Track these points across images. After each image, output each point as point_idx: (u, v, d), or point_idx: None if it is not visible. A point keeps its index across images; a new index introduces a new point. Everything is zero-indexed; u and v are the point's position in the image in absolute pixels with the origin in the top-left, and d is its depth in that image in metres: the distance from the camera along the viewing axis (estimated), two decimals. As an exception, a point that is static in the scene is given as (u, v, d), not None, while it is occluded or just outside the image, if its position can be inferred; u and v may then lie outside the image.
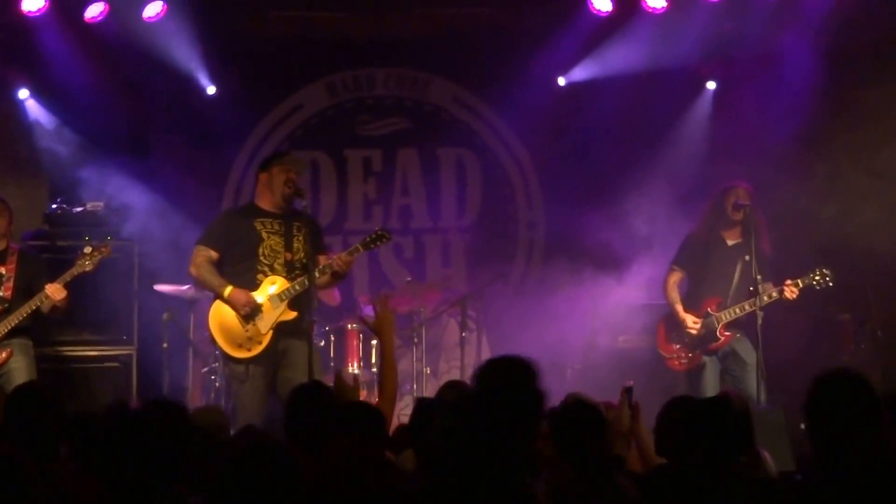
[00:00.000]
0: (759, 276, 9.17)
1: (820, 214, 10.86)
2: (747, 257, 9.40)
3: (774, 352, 9.46)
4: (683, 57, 11.34)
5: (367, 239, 8.60)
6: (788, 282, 9.28)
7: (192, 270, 8.57)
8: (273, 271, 8.45)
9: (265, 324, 8.38)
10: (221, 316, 8.48)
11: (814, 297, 9.63)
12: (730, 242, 9.59)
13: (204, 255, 8.52)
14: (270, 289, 8.40)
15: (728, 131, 11.51)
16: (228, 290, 8.38)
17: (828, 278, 9.34)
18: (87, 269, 9.20)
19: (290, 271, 8.45)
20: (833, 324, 11.00)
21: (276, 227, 8.52)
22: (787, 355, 10.04)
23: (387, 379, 6.53)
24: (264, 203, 8.60)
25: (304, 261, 8.36)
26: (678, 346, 9.59)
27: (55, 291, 9.03)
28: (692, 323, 9.49)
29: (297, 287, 8.34)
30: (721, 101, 11.81)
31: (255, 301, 8.36)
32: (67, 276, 9.12)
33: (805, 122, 11.04)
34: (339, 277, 8.67)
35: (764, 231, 9.37)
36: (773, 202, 10.19)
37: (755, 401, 8.93)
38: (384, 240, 8.62)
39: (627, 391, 6.21)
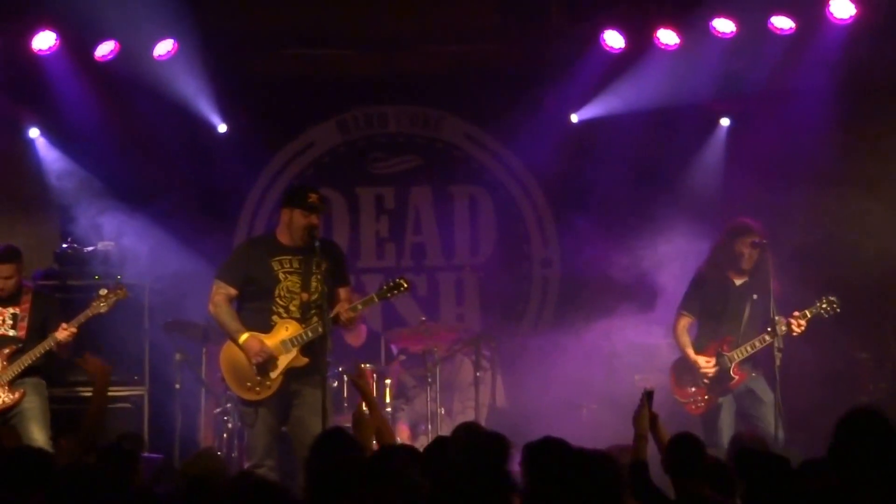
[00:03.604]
0: (777, 317, 9.07)
1: (835, 252, 10.81)
2: (755, 296, 9.34)
3: (793, 391, 9.37)
4: (697, 93, 11.31)
5: (384, 288, 8.54)
6: (796, 313, 9.19)
7: (211, 309, 8.49)
8: (288, 313, 8.36)
9: (276, 369, 8.33)
10: (232, 356, 8.43)
11: (833, 335, 9.56)
12: (737, 282, 9.48)
13: (223, 294, 8.44)
14: (283, 333, 8.33)
15: (743, 168, 11.45)
16: (244, 336, 8.30)
17: (835, 305, 9.24)
18: (102, 310, 9.16)
19: (305, 312, 8.36)
20: (852, 363, 10.92)
21: (296, 264, 8.43)
22: (805, 395, 9.96)
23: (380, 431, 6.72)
24: (284, 238, 8.51)
25: (320, 301, 8.28)
26: (693, 390, 9.47)
27: (64, 336, 8.98)
28: (705, 363, 9.37)
29: (310, 334, 8.26)
30: (735, 137, 11.78)
31: (269, 352, 8.27)
32: (82, 318, 9.10)
33: (821, 159, 11.01)
34: (342, 325, 8.63)
35: (774, 269, 9.26)
36: (788, 238, 10.13)
37: (774, 440, 8.85)
38: (401, 289, 8.53)
39: (648, 396, 6.31)
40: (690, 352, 9.46)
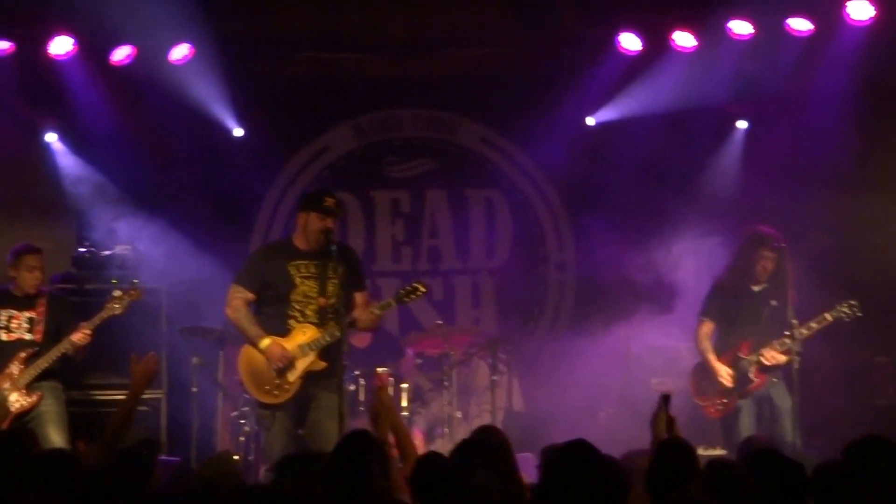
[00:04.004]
0: (794, 321, 9.04)
1: (853, 255, 10.77)
2: (773, 302, 9.32)
3: (811, 396, 9.34)
4: (714, 96, 11.25)
5: (401, 292, 8.55)
6: (816, 317, 9.19)
7: (229, 313, 8.51)
8: (304, 317, 8.39)
9: (294, 373, 8.35)
10: (251, 360, 8.46)
11: (852, 339, 9.52)
12: (755, 289, 9.48)
13: (241, 298, 8.46)
14: (301, 337, 8.35)
15: (759, 171, 11.40)
16: (266, 342, 8.32)
17: (855, 309, 9.25)
18: (117, 311, 9.16)
19: (322, 317, 8.38)
20: (871, 367, 10.88)
21: (312, 269, 8.45)
22: (824, 399, 9.94)
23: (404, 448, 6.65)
24: (300, 243, 8.53)
25: (337, 306, 8.29)
26: (712, 393, 9.47)
27: (79, 338, 9.00)
28: (725, 374, 9.37)
29: (328, 338, 8.28)
30: (752, 140, 11.72)
31: (290, 357, 8.30)
32: (97, 320, 9.10)
33: (838, 162, 10.95)
34: (361, 329, 8.64)
35: (792, 276, 9.24)
36: (805, 243, 10.09)
37: (791, 446, 8.83)
38: (418, 293, 8.53)
39: (665, 399, 6.28)
40: (712, 357, 9.45)
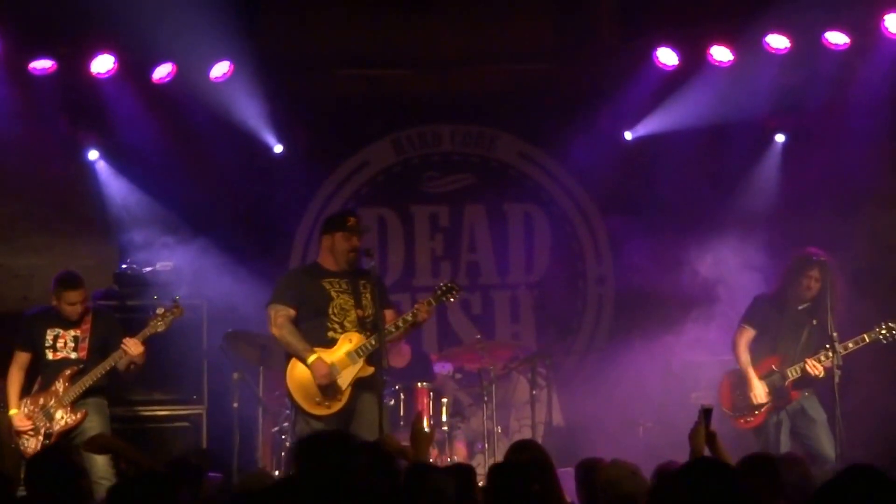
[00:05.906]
0: (835, 334, 9.00)
1: (891, 268, 10.72)
2: (814, 321, 9.29)
3: (854, 408, 9.28)
4: (751, 110, 11.26)
5: (438, 292, 8.67)
6: (857, 338, 9.15)
7: (275, 331, 8.61)
8: (343, 329, 8.52)
9: (344, 380, 8.48)
10: (299, 374, 8.57)
11: (892, 353, 9.48)
12: (799, 307, 9.45)
13: (284, 315, 8.58)
14: (347, 345, 8.46)
15: (798, 184, 11.38)
16: (312, 358, 8.43)
17: (894, 331, 9.18)
18: (160, 329, 9.24)
19: (362, 328, 8.49)
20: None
21: (344, 285, 8.63)
22: (867, 412, 9.88)
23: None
24: (328, 264, 8.73)
25: (374, 318, 8.42)
26: (743, 406, 9.44)
27: (133, 346, 9.06)
28: (760, 392, 9.33)
29: (374, 342, 8.39)
30: (791, 153, 11.69)
31: (334, 376, 8.41)
32: (140, 337, 9.17)
33: (877, 175, 10.92)
34: (417, 326, 8.78)
35: (840, 291, 9.19)
36: (844, 257, 10.05)
37: (827, 460, 8.80)
38: (454, 292, 8.67)
39: (705, 413, 6.26)
40: (751, 372, 9.41)
